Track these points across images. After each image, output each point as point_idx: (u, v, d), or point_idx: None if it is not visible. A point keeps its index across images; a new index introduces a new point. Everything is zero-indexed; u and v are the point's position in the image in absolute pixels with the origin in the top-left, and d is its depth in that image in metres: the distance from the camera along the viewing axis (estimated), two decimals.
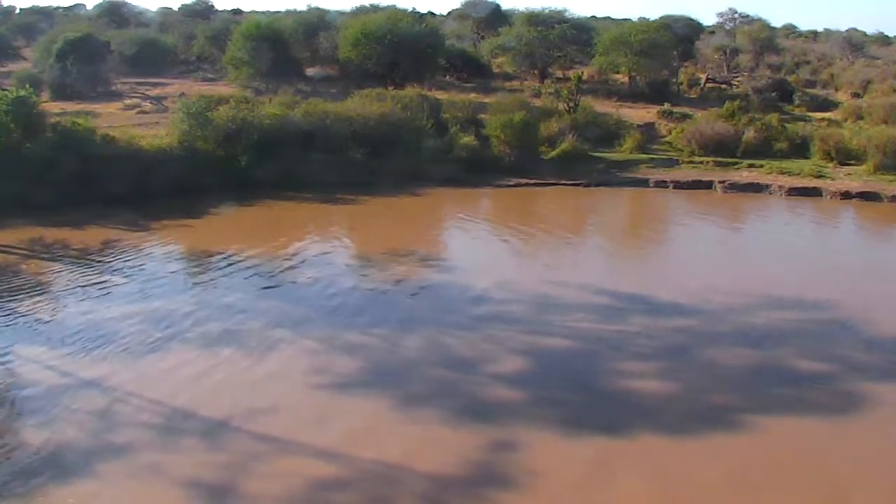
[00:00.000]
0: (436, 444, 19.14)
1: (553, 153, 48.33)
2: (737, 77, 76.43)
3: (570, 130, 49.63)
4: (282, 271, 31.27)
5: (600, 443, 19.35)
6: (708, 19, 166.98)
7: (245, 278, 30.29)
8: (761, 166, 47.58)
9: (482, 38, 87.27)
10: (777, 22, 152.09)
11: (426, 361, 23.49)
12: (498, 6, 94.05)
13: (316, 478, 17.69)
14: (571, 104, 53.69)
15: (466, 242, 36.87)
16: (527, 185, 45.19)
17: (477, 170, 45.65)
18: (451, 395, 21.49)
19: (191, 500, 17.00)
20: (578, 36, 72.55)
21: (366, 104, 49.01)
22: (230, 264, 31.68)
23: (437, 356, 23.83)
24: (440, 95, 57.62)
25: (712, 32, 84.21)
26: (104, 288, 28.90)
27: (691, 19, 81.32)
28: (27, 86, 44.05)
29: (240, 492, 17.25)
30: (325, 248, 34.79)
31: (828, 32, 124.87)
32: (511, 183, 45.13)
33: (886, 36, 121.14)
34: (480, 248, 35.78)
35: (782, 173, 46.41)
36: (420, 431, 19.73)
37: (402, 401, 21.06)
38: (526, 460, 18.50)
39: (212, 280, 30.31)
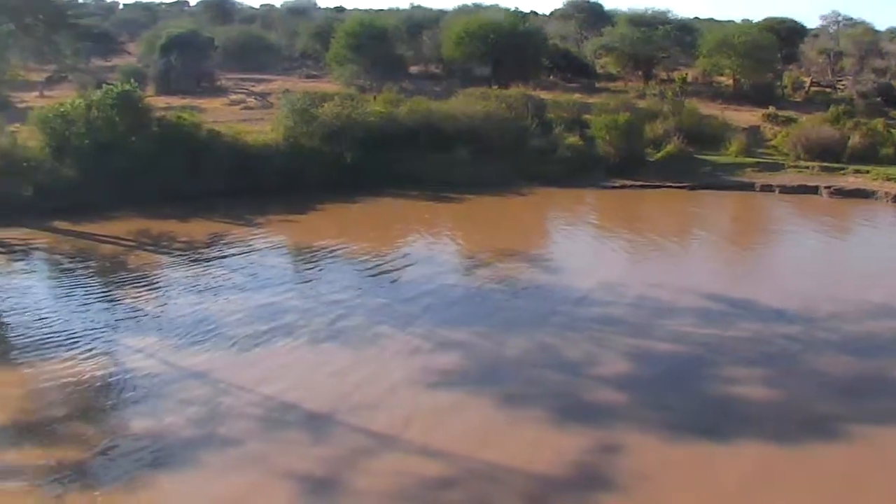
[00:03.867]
0: (540, 444, 19.47)
1: (658, 155, 48.85)
2: (841, 81, 75.53)
3: (675, 132, 50.00)
4: (386, 268, 32.20)
5: (703, 448, 19.66)
6: (811, 22, 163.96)
7: (349, 274, 31.38)
8: (867, 172, 47.48)
9: (585, 38, 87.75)
10: (881, 25, 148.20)
11: (531, 361, 23.90)
12: (601, 6, 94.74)
13: (421, 475, 18.15)
14: (676, 106, 54.06)
15: (571, 243, 37.44)
16: (631, 186, 45.76)
17: (581, 170, 46.33)
18: (555, 395, 21.84)
19: (294, 493, 17.62)
20: (682, 37, 72.86)
21: (470, 103, 49.93)
22: (335, 260, 32.90)
23: (542, 356, 24.24)
24: (544, 95, 58.22)
25: (816, 35, 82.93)
26: (210, 280, 30.28)
27: (795, 22, 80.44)
28: (132, 80, 45.98)
29: (343, 486, 17.79)
30: (430, 245, 35.70)
31: None
32: (616, 184, 45.74)
33: None
34: (585, 249, 36.37)
35: (888, 179, 46.30)
36: (524, 431, 20.09)
37: (507, 400, 21.47)
38: (629, 463, 18.81)
39: (316, 275, 31.51)
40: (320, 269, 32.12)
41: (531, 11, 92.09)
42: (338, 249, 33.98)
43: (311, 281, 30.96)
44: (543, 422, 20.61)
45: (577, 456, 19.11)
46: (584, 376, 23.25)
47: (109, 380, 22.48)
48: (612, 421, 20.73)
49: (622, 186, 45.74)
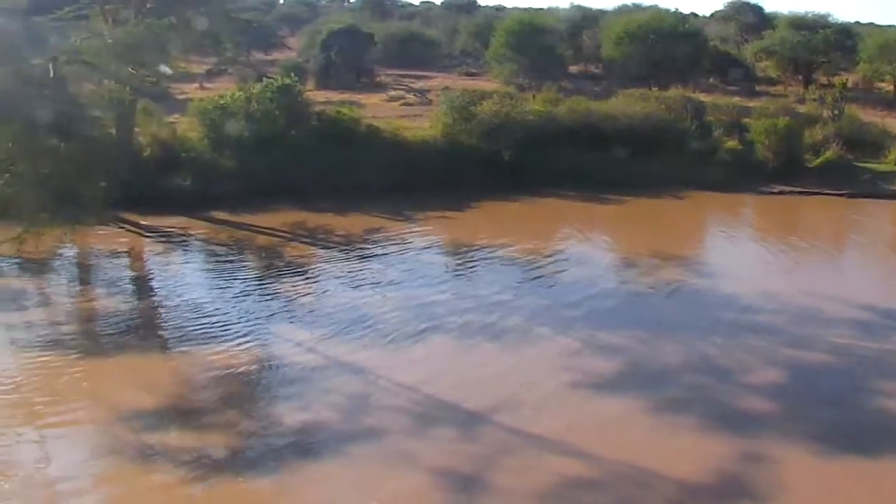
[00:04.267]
0: (687, 450, 19.15)
1: (816, 161, 46.82)
2: None
3: (835, 139, 48.01)
4: (541, 267, 31.79)
5: (851, 463, 18.92)
6: None
7: (505, 272, 31.03)
8: None
9: (746, 40, 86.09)
10: None
11: (681, 367, 23.49)
12: (761, 8, 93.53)
13: (567, 476, 17.88)
14: (836, 112, 52.00)
15: (727, 248, 36.77)
16: (790, 192, 44.14)
17: (739, 174, 44.99)
18: (704, 402, 21.47)
19: (439, 488, 17.44)
20: (842, 41, 70.94)
21: (629, 103, 49.10)
22: (490, 258, 32.51)
23: (693, 362, 23.80)
24: (703, 98, 56.91)
25: None
26: (366, 275, 30.21)
27: None
28: (291, 74, 46.49)
29: (489, 484, 17.57)
30: (586, 246, 35.30)
31: None
32: (774, 190, 44.23)
33: None
34: (741, 255, 35.57)
35: None
36: (672, 437, 19.77)
37: (656, 405, 21.14)
38: (774, 474, 18.31)
39: (472, 272, 31.26)
40: (477, 268, 31.79)
41: (691, 13, 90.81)
42: (495, 248, 33.53)
43: (467, 279, 30.73)
44: (692, 428, 20.21)
45: (723, 464, 18.69)
46: (735, 384, 22.71)
47: (262, 370, 22.63)
48: (760, 431, 20.13)
49: (780, 192, 44.13)
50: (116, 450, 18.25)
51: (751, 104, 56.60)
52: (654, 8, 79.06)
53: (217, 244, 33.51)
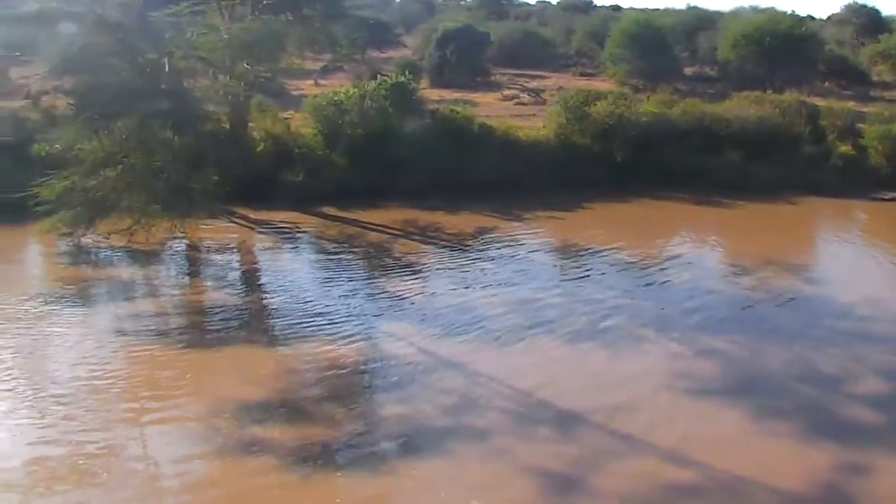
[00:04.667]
0: (790, 459, 18.70)
1: None
2: None
3: None
4: (651, 270, 31.36)
5: None
6: None
7: (614, 274, 30.62)
8: None
9: (862, 44, 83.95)
10: None
11: (787, 374, 23.03)
12: (878, 12, 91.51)
13: (667, 481, 17.64)
14: None
15: (838, 255, 35.89)
16: None
17: (853, 180, 43.87)
18: (808, 410, 20.99)
19: (537, 489, 17.27)
20: None
21: (743, 106, 48.17)
22: (600, 259, 32.09)
23: (799, 370, 23.28)
24: (818, 102, 55.58)
25: None
26: (475, 273, 30.01)
27: None
28: (406, 72, 46.58)
29: (588, 486, 17.38)
30: (696, 249, 34.77)
31: None
32: (886, 197, 42.91)
33: None
34: (852, 263, 34.74)
35: None
36: (775, 445, 19.33)
37: (760, 412, 20.72)
38: (878, 486, 17.87)
39: (580, 273, 30.78)
40: (586, 269, 31.30)
41: (808, 15, 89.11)
42: (604, 249, 33.08)
43: (575, 279, 30.28)
44: (794, 436, 19.80)
45: (823, 474, 18.28)
46: (839, 393, 22.19)
47: (366, 365, 22.59)
48: (863, 441, 19.57)
49: (893, 199, 42.80)
50: (218, 442, 18.31)
51: (865, 109, 55.39)
52: (771, 10, 77.84)
53: (327, 240, 33.55)
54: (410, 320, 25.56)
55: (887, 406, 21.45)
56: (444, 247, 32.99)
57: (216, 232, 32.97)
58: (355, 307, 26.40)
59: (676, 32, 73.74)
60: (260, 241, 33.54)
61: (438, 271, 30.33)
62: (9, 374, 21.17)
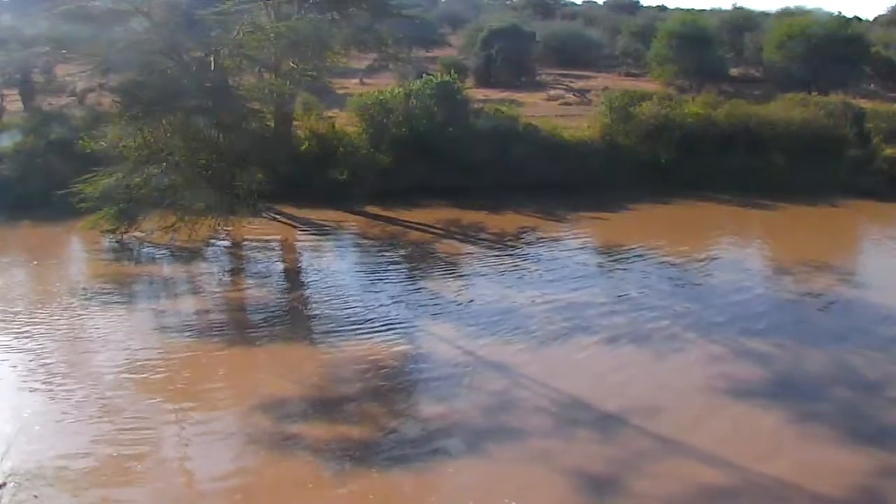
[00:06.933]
0: (829, 464, 18.50)
1: None
2: None
3: None
4: (693, 271, 31.22)
5: None
6: None
7: (656, 277, 30.48)
8: None
9: None
10: None
11: (829, 378, 22.81)
12: None
13: (705, 484, 17.53)
14: None
15: (881, 259, 35.51)
16: None
17: None
18: (850, 416, 20.74)
19: (574, 490, 17.21)
20: None
21: (788, 108, 47.66)
22: (642, 260, 32.02)
23: (841, 374, 23.07)
24: (863, 104, 54.86)
25: None
26: (516, 273, 30.00)
27: None
28: (451, 71, 46.55)
29: (626, 488, 17.34)
30: (738, 252, 34.55)
31: None
32: None
33: None
34: (895, 267, 34.36)
35: None
36: (813, 448, 19.19)
37: (801, 416, 20.52)
38: None
39: (623, 275, 30.67)
40: (629, 270, 31.18)
41: (854, 17, 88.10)
42: (646, 251, 32.95)
43: (619, 281, 30.14)
44: (833, 441, 19.53)
45: (862, 479, 18.00)
46: (879, 397, 21.97)
47: (407, 365, 22.69)
48: None
49: None
50: (255, 438, 18.47)
51: None
52: (819, 10, 77.14)
53: (369, 238, 33.68)
54: (451, 320, 25.56)
55: None
56: (486, 247, 32.98)
57: (259, 229, 33.19)
58: (396, 305, 26.52)
59: (722, 33, 73.14)
60: (303, 240, 33.73)
61: (480, 271, 30.30)
62: (51, 370, 21.48)
